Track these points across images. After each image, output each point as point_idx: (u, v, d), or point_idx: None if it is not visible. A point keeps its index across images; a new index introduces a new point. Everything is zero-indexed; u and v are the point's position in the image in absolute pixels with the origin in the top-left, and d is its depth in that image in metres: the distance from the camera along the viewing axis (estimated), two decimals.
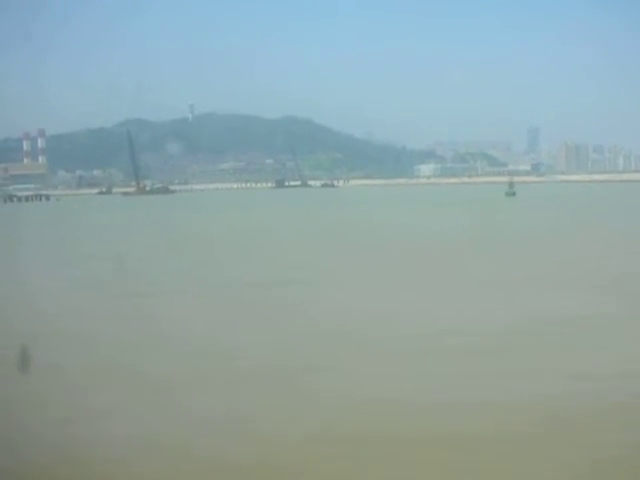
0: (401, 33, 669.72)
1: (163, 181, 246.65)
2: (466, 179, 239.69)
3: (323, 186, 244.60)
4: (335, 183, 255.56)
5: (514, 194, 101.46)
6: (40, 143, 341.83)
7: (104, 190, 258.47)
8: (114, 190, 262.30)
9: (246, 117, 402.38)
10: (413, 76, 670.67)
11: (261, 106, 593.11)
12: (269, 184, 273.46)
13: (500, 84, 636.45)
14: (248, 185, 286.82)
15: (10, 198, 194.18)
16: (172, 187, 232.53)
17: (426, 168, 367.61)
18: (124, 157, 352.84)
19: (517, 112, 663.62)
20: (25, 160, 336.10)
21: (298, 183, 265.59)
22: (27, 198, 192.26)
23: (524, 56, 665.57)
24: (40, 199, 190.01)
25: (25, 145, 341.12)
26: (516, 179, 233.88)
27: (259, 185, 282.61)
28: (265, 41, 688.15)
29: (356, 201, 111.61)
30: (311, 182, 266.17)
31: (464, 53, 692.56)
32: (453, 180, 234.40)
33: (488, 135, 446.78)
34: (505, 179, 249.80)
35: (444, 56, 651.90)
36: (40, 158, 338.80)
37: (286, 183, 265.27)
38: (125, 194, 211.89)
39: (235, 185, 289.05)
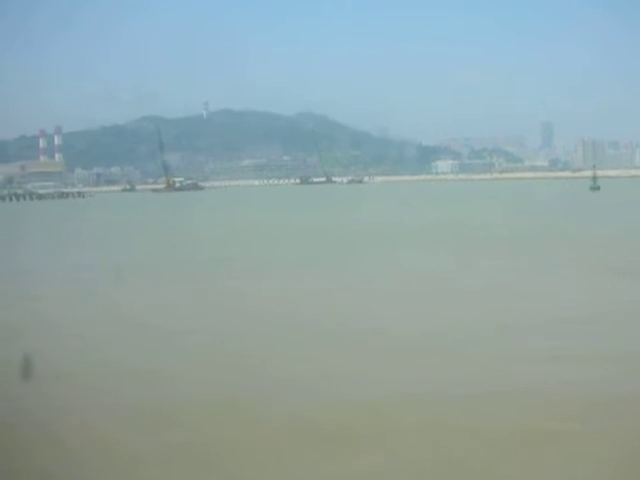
0: (415, 30, 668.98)
1: (192, 178, 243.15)
2: (497, 175, 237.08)
3: (350, 182, 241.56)
4: (363, 179, 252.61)
5: (599, 188, 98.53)
6: (57, 140, 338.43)
7: (128, 187, 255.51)
8: (137, 187, 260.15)
9: (260, 114, 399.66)
10: (425, 73, 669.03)
11: (275, 103, 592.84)
12: (292, 181, 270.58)
13: (512, 80, 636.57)
14: (270, 182, 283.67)
15: (42, 196, 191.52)
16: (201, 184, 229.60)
17: (444, 164, 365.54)
18: (139, 154, 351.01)
19: (528, 107, 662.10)
20: (41, 158, 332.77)
21: (323, 180, 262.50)
22: (60, 195, 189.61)
23: (534, 52, 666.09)
24: (75, 196, 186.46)
25: (41, 142, 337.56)
26: (535, 175, 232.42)
27: (281, 182, 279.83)
28: (279, 37, 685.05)
29: (427, 198, 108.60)
30: (336, 179, 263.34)
31: (474, 50, 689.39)
32: (484, 176, 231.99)
33: (501, 131, 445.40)
34: (527, 175, 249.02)
35: (456, 53, 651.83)
36: (57, 155, 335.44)
37: (311, 180, 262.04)
38: (155, 191, 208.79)
39: (257, 182, 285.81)
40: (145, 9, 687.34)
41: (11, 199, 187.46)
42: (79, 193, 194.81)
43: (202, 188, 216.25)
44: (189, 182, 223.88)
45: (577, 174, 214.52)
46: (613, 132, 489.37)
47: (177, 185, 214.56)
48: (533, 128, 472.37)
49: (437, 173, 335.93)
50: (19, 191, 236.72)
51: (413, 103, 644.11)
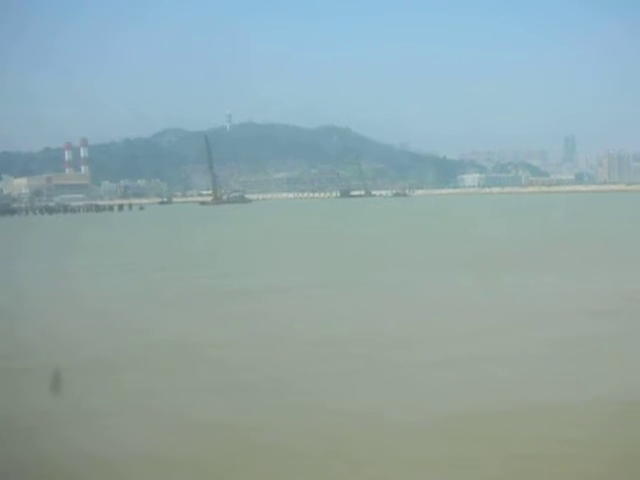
0: (434, 45, 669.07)
1: (238, 190, 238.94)
2: (545, 188, 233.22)
3: (395, 195, 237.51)
4: (407, 192, 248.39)
5: None
6: (83, 153, 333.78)
7: (165, 200, 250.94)
8: (174, 200, 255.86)
9: (285, 126, 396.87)
10: (446, 86, 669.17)
11: (299, 116, 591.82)
12: (328, 194, 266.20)
13: (533, 93, 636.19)
14: (305, 195, 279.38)
15: (91, 207, 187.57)
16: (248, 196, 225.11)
17: (470, 178, 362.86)
18: (164, 167, 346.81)
19: (548, 121, 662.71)
20: (67, 170, 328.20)
21: (362, 193, 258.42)
22: (110, 207, 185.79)
23: (556, 65, 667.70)
24: (130, 208, 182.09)
25: (67, 155, 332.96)
26: (588, 188, 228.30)
27: (316, 195, 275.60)
28: (301, 50, 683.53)
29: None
30: (375, 192, 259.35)
31: (494, 61, 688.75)
32: (531, 189, 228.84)
33: (522, 144, 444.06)
34: (577, 188, 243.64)
35: (475, 65, 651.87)
36: (83, 168, 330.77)
37: (352, 193, 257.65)
38: (203, 203, 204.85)
39: (291, 195, 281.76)
40: (170, 22, 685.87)
41: (59, 211, 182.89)
42: (130, 205, 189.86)
43: (249, 201, 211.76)
44: (236, 194, 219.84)
45: (630, 187, 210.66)
46: (635, 145, 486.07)
47: (224, 197, 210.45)
48: (553, 142, 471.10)
49: (464, 186, 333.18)
50: (51, 204, 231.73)
51: (433, 116, 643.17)
